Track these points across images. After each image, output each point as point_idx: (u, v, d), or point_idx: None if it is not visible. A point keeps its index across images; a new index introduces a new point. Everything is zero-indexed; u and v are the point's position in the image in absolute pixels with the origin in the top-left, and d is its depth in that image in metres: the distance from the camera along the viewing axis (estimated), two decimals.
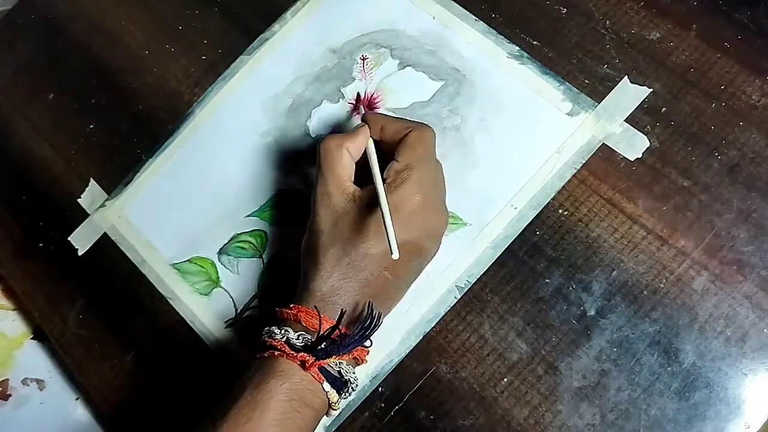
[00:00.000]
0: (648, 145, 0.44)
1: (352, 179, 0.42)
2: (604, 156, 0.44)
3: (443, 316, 0.43)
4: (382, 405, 0.43)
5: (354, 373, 0.38)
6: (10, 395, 0.54)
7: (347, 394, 0.38)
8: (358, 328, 0.38)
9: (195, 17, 0.56)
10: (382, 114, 0.43)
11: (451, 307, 0.44)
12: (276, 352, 0.37)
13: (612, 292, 0.41)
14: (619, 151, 0.44)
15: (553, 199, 0.44)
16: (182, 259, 0.50)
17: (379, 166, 0.41)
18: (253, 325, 0.47)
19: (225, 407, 0.36)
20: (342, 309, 0.38)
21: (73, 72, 0.58)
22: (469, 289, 0.44)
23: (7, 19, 0.62)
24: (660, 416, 0.39)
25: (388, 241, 0.36)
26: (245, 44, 0.54)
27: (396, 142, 0.41)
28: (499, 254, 0.44)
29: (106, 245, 0.52)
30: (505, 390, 0.41)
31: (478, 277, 0.44)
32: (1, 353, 0.55)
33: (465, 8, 0.50)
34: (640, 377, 0.40)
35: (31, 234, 0.55)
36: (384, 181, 0.40)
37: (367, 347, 0.39)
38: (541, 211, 0.44)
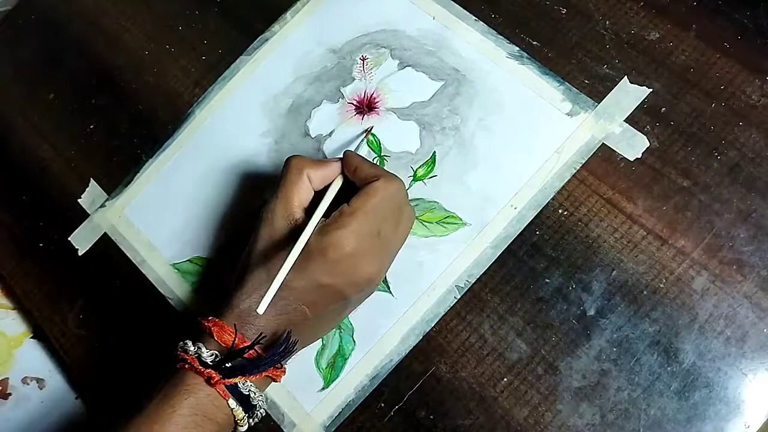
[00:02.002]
0: (647, 145, 0.44)
1: (305, 206, 0.41)
2: (603, 156, 0.44)
3: (443, 316, 0.44)
4: (382, 405, 0.43)
5: (261, 397, 0.38)
6: (10, 394, 0.54)
7: (255, 417, 0.38)
8: (271, 352, 0.38)
9: (195, 17, 0.56)
10: (362, 156, 0.42)
11: (451, 307, 0.44)
12: (186, 365, 0.37)
13: (612, 292, 0.42)
14: (618, 151, 0.44)
15: (552, 199, 0.44)
16: (182, 259, 0.50)
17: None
18: None
19: (130, 416, 0.36)
20: (262, 333, 0.38)
21: (73, 72, 0.58)
22: (469, 289, 0.44)
23: (7, 19, 0.62)
24: (660, 416, 0.39)
25: (269, 286, 0.36)
26: (245, 44, 0.54)
27: (361, 186, 0.40)
28: (498, 254, 0.44)
29: (106, 245, 0.52)
30: (505, 390, 0.41)
31: (477, 277, 0.44)
32: (1, 352, 0.55)
33: (465, 8, 0.50)
34: (640, 377, 0.40)
35: (31, 234, 0.55)
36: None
37: (280, 368, 0.39)
38: (541, 211, 0.44)
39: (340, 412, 0.43)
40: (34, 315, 0.53)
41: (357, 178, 0.41)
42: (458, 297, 0.44)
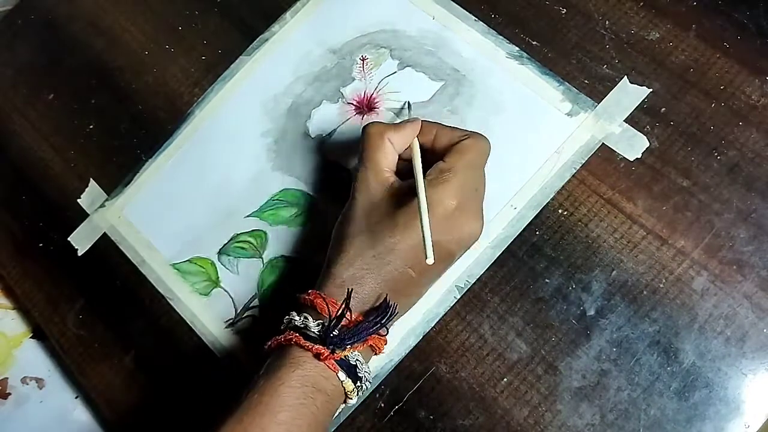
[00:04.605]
0: (647, 145, 0.44)
1: (393, 169, 0.41)
2: (603, 156, 0.44)
3: (443, 316, 0.43)
4: (382, 405, 0.43)
5: (367, 368, 0.38)
6: (9, 394, 0.54)
7: (362, 389, 0.38)
8: (373, 316, 0.37)
9: (195, 17, 0.56)
10: (438, 123, 0.42)
11: (451, 307, 0.44)
12: (292, 340, 0.37)
13: (612, 292, 0.42)
14: (618, 151, 0.44)
15: (552, 199, 0.44)
16: (182, 259, 0.50)
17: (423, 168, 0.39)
18: (252, 325, 0.47)
19: (245, 393, 0.36)
20: (349, 289, 0.37)
21: (73, 72, 0.58)
22: (469, 289, 0.44)
23: (7, 19, 0.62)
24: (660, 416, 0.39)
25: (424, 244, 0.35)
26: (245, 45, 0.54)
27: (447, 149, 0.40)
28: (498, 254, 0.44)
29: (105, 245, 0.52)
30: (505, 390, 0.41)
31: (477, 277, 0.44)
32: (1, 352, 0.55)
33: (464, 8, 0.50)
34: (640, 377, 0.40)
35: (31, 234, 0.55)
36: (425, 177, 0.38)
37: (383, 335, 0.38)
38: (541, 211, 0.44)
39: (340, 412, 0.43)
40: (33, 315, 0.53)
41: (439, 143, 0.41)
42: (458, 297, 0.44)
